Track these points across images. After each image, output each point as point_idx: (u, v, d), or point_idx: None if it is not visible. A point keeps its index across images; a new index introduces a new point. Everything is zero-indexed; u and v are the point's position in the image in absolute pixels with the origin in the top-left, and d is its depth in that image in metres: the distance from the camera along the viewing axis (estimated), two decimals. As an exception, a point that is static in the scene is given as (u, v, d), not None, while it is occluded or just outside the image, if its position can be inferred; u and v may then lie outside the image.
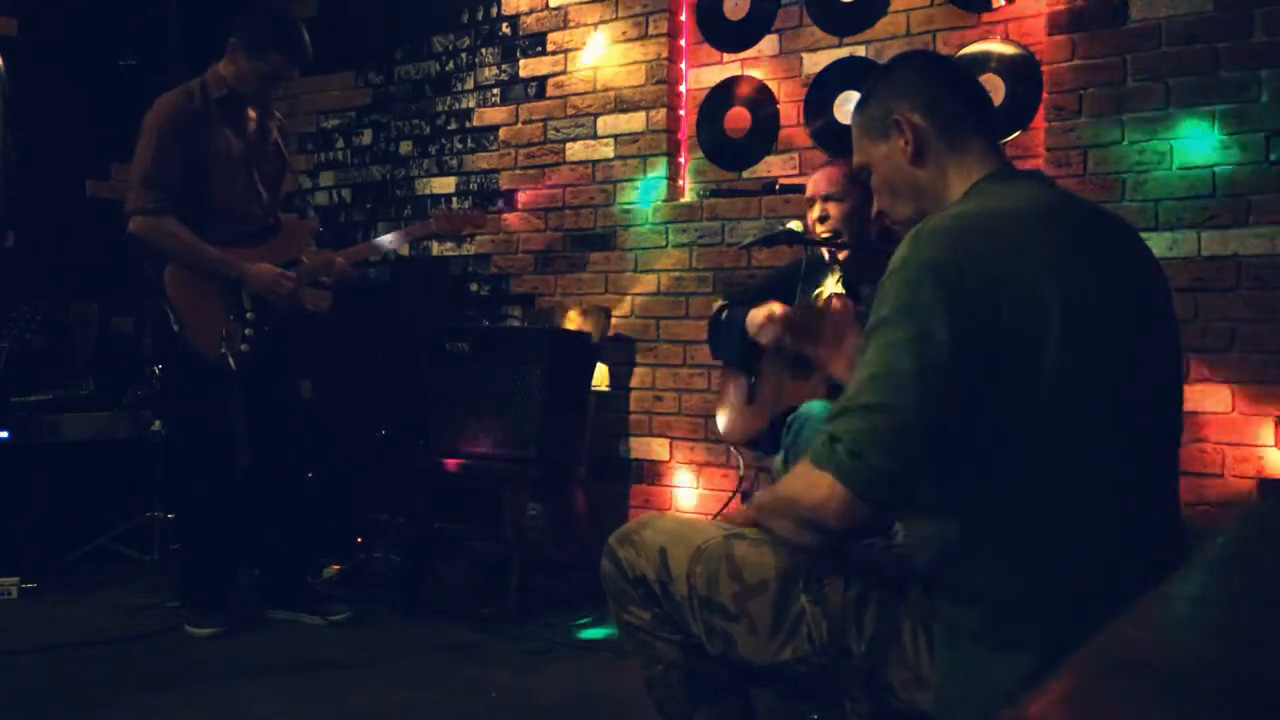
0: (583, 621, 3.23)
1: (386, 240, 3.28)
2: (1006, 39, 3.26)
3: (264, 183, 3.10)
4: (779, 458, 2.47)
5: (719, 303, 2.93)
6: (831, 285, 2.50)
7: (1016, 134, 3.23)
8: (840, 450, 1.23)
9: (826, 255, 2.57)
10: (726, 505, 3.28)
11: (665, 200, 3.87)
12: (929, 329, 1.21)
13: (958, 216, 1.30)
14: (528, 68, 4.22)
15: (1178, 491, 1.39)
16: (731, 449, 3.48)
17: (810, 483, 1.26)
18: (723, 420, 2.92)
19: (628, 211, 3.94)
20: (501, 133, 4.28)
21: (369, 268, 4.38)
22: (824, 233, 2.55)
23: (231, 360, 2.88)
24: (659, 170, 3.87)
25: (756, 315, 2.60)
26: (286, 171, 3.29)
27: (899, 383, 1.21)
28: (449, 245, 4.36)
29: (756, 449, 2.74)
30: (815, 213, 2.58)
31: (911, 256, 1.25)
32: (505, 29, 4.29)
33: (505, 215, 4.25)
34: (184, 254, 2.91)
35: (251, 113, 3.06)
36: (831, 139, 3.55)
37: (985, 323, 1.21)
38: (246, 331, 2.93)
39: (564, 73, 4.12)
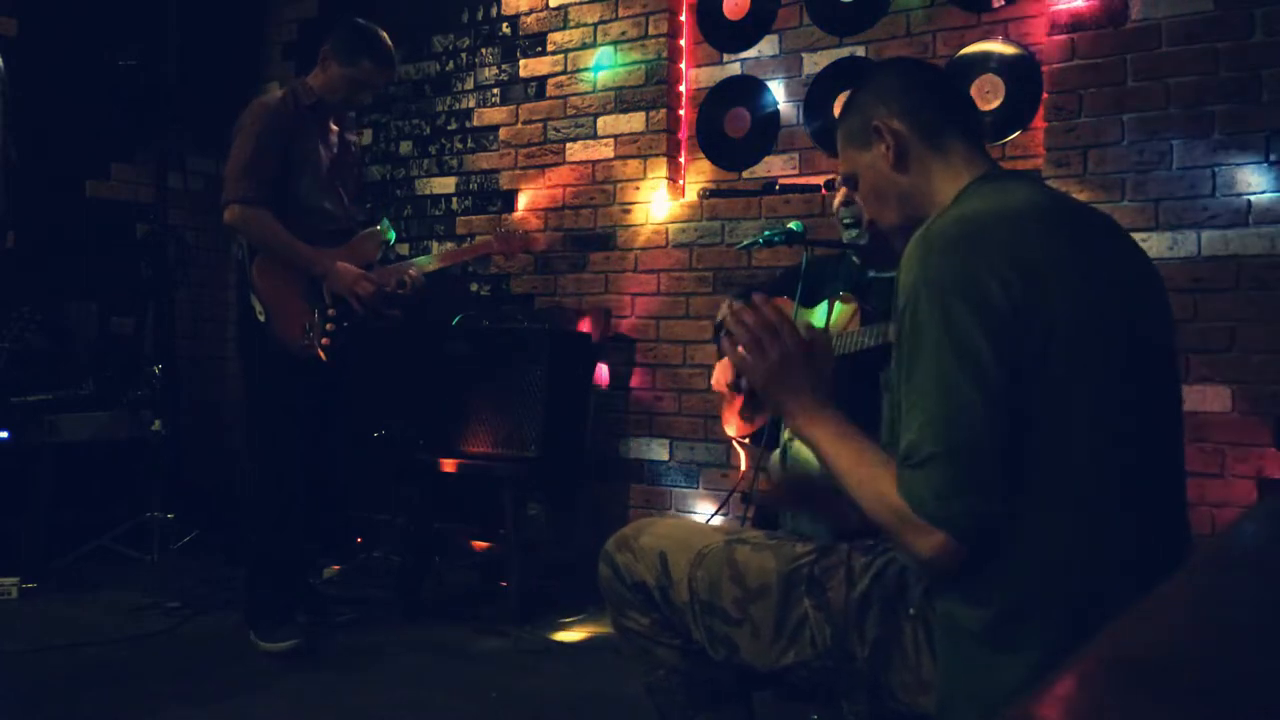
0: (567, 620, 3.24)
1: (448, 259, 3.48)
2: (1006, 39, 3.26)
3: (344, 189, 3.19)
4: (775, 453, 2.47)
5: (726, 302, 2.93)
6: (839, 312, 2.49)
7: (1016, 134, 3.23)
8: (956, 511, 1.19)
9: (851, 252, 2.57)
10: (724, 504, 3.28)
11: (665, 200, 3.87)
12: (975, 353, 1.19)
13: (962, 220, 1.29)
14: (528, 68, 4.22)
15: (1184, 491, 1.39)
16: (734, 446, 3.48)
17: (920, 535, 1.21)
18: (727, 416, 2.93)
19: (628, 211, 3.94)
20: (501, 133, 4.28)
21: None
22: (846, 218, 2.55)
23: (321, 352, 2.97)
24: (659, 170, 3.87)
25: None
26: (363, 181, 3.38)
27: (970, 418, 1.19)
28: (448, 243, 4.36)
29: (759, 444, 2.75)
30: (840, 197, 2.59)
31: (932, 275, 1.23)
32: (505, 29, 4.29)
33: (505, 215, 4.25)
34: (275, 246, 2.97)
35: (334, 124, 3.16)
36: (831, 139, 3.54)
37: (1011, 332, 1.20)
38: (328, 326, 3.00)
39: (564, 73, 4.12)
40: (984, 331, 1.19)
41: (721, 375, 2.81)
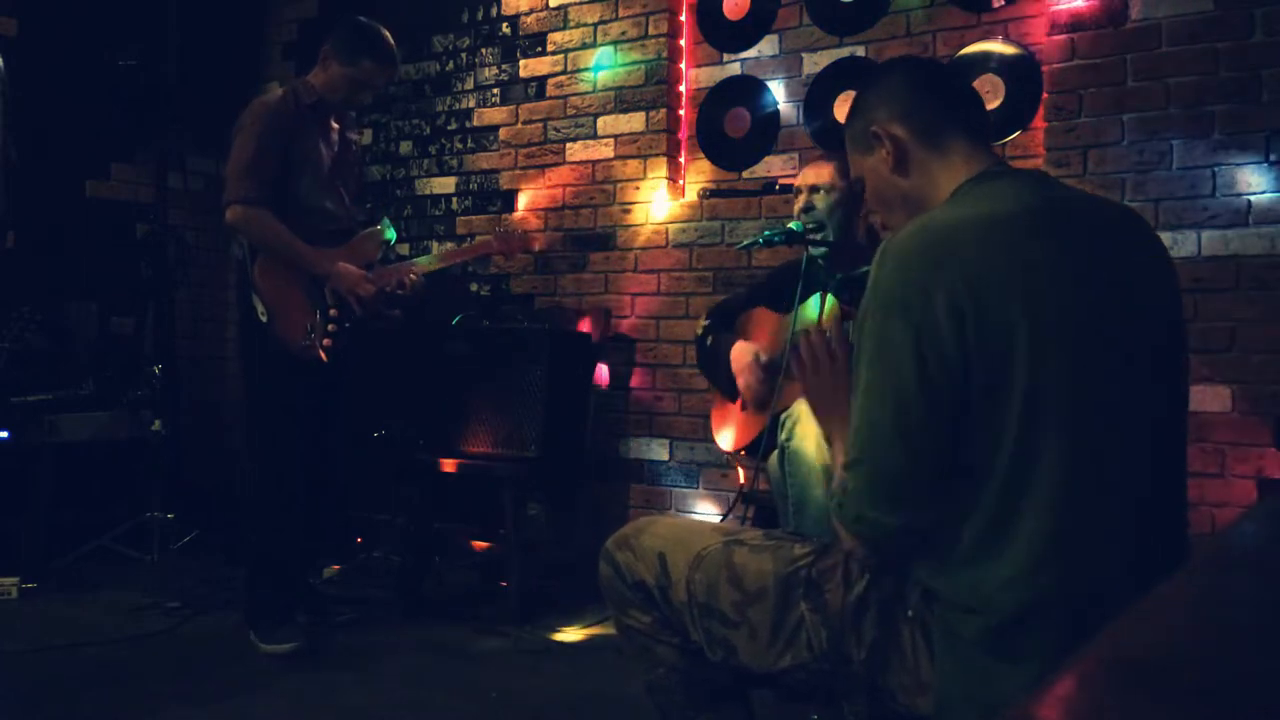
0: (566, 620, 3.24)
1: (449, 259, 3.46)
2: (1006, 39, 3.26)
3: (345, 188, 3.18)
4: (774, 457, 2.47)
5: (702, 323, 2.93)
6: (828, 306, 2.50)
7: (1016, 134, 3.23)
8: (848, 514, 1.31)
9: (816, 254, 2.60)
10: (731, 510, 3.28)
11: (665, 200, 3.87)
12: (901, 374, 1.23)
13: (925, 230, 1.29)
14: (528, 68, 4.22)
15: (1184, 492, 1.38)
16: (731, 460, 3.48)
17: (840, 531, 1.35)
18: (721, 432, 2.92)
19: (628, 211, 3.94)
20: (501, 133, 4.28)
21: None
22: (807, 223, 2.60)
23: (322, 353, 2.96)
24: (659, 170, 3.87)
25: (738, 362, 2.64)
26: (363, 181, 3.36)
27: (880, 435, 1.26)
28: (448, 243, 4.36)
29: (755, 454, 2.75)
30: (800, 203, 2.63)
31: (880, 288, 1.27)
32: (505, 29, 4.29)
33: (505, 215, 4.25)
34: (276, 246, 2.95)
35: (335, 123, 3.15)
36: (831, 139, 3.55)
37: (956, 346, 1.21)
38: (329, 327, 2.99)
39: (564, 73, 4.12)
40: (914, 348, 1.22)
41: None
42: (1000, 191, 1.35)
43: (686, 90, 3.92)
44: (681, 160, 3.92)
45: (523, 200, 4.20)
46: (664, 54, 3.87)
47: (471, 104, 4.38)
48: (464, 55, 4.41)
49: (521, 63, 4.23)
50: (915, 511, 1.27)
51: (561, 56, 4.13)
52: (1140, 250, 1.38)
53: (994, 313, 1.22)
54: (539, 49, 4.19)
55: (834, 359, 1.49)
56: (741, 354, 2.66)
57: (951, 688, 1.28)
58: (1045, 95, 3.16)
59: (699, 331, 2.92)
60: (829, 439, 1.51)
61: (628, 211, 3.94)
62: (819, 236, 2.59)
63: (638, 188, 3.91)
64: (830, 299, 2.49)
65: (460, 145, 4.41)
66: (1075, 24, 3.09)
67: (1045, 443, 1.22)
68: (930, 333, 1.21)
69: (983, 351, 1.21)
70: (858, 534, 1.30)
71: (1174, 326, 1.38)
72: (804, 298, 2.56)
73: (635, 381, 3.91)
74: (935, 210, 1.36)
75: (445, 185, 4.46)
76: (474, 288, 4.32)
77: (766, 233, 2.67)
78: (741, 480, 3.14)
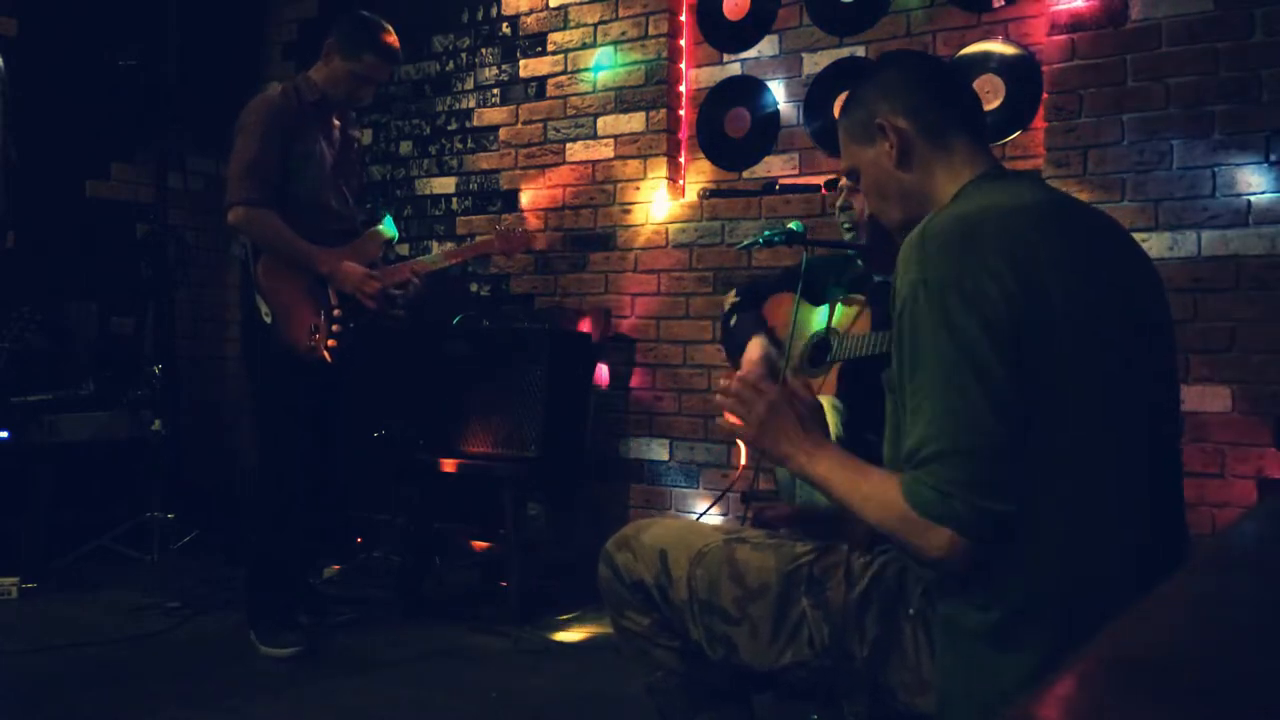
0: (566, 620, 3.24)
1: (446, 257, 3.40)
2: (1006, 39, 3.26)
3: (347, 186, 3.17)
4: None
5: (732, 298, 2.89)
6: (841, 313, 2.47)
7: (1016, 134, 3.23)
8: (959, 506, 1.17)
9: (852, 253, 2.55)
10: (719, 499, 3.28)
11: (665, 200, 3.86)
12: (976, 349, 1.18)
13: (960, 219, 1.28)
14: (528, 68, 4.22)
15: (1181, 491, 1.39)
16: (733, 448, 3.48)
17: (926, 534, 1.20)
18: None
19: (628, 211, 3.94)
20: (501, 133, 4.28)
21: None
22: (845, 222, 2.54)
23: (327, 354, 2.96)
24: (659, 170, 3.87)
25: (748, 363, 2.59)
26: (364, 179, 3.35)
27: (981, 419, 1.18)
28: (448, 243, 4.36)
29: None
30: (840, 199, 2.58)
31: (929, 273, 1.23)
32: (505, 29, 4.29)
33: (505, 215, 4.25)
34: (279, 246, 2.94)
35: (336, 120, 3.13)
36: (831, 139, 3.55)
37: (1009, 330, 1.20)
38: (334, 328, 2.98)
39: (564, 73, 4.12)
40: (983, 328, 1.19)
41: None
42: (1011, 189, 1.35)
43: (686, 90, 3.92)
44: (681, 160, 3.92)
45: (523, 200, 4.20)
46: (664, 54, 3.87)
47: (471, 104, 4.38)
48: (464, 55, 4.41)
49: (521, 63, 4.23)
50: (1019, 494, 1.19)
51: (561, 56, 4.13)
52: (1134, 253, 1.39)
53: (1037, 301, 1.21)
54: (539, 49, 4.19)
55: (761, 392, 1.40)
56: (754, 351, 2.60)
57: (952, 685, 1.28)
58: (1045, 95, 3.16)
59: (726, 307, 2.89)
60: (794, 467, 1.38)
61: (628, 211, 3.94)
62: (849, 237, 2.55)
63: (638, 188, 3.91)
64: (840, 308, 2.47)
65: (460, 145, 4.41)
66: (1075, 24, 3.09)
67: (1056, 437, 1.22)
68: (989, 310, 1.19)
69: (1025, 337, 1.20)
70: (970, 523, 1.17)
71: (1165, 328, 1.39)
72: (804, 298, 2.54)
73: (635, 381, 3.91)
74: (960, 203, 1.35)
75: (445, 185, 4.46)
76: (474, 288, 4.32)
77: (766, 233, 2.66)
78: (743, 462, 3.12)
